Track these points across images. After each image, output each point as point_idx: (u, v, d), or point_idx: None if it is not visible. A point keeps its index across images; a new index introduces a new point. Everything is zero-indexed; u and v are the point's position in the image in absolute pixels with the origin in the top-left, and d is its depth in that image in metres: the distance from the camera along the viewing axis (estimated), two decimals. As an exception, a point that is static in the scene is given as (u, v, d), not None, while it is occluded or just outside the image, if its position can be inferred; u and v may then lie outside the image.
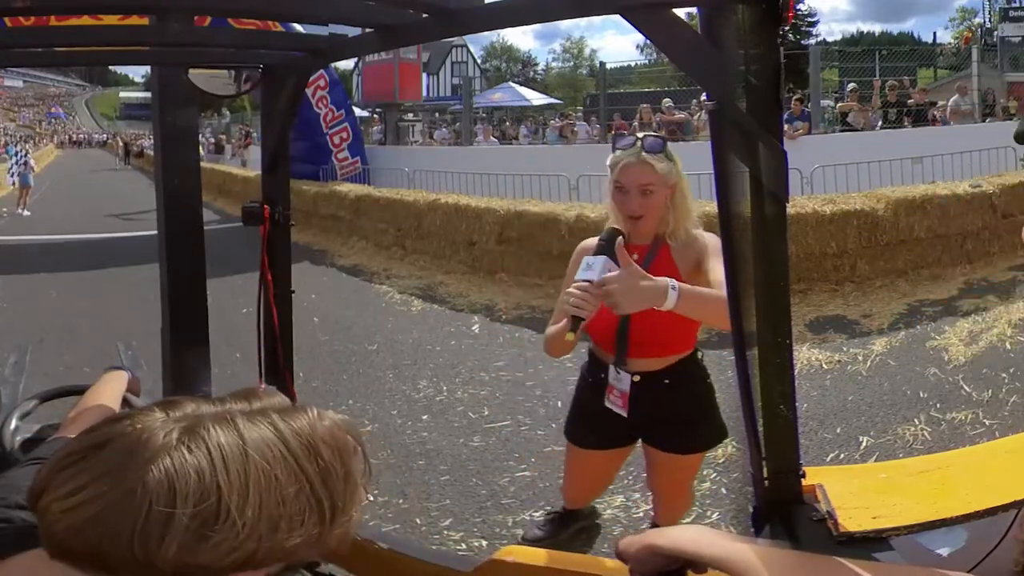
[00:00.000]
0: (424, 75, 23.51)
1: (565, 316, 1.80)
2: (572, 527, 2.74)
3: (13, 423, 1.55)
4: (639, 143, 2.00)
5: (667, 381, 2.11)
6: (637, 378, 2.09)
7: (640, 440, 2.29)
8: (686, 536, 0.96)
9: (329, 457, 0.69)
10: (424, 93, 22.94)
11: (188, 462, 0.62)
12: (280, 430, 0.67)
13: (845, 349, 4.85)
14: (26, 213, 14.97)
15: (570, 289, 1.77)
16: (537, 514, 2.93)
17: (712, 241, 2.03)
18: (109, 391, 1.47)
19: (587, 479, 2.53)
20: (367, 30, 1.56)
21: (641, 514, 3.07)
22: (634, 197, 2.00)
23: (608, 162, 2.04)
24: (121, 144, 37.67)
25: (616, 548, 1.03)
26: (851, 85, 12.48)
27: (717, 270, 1.90)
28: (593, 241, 1.94)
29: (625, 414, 2.11)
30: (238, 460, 0.63)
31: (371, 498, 3.28)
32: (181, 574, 0.62)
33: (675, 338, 2.09)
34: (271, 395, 0.75)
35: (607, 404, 2.13)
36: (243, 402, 0.71)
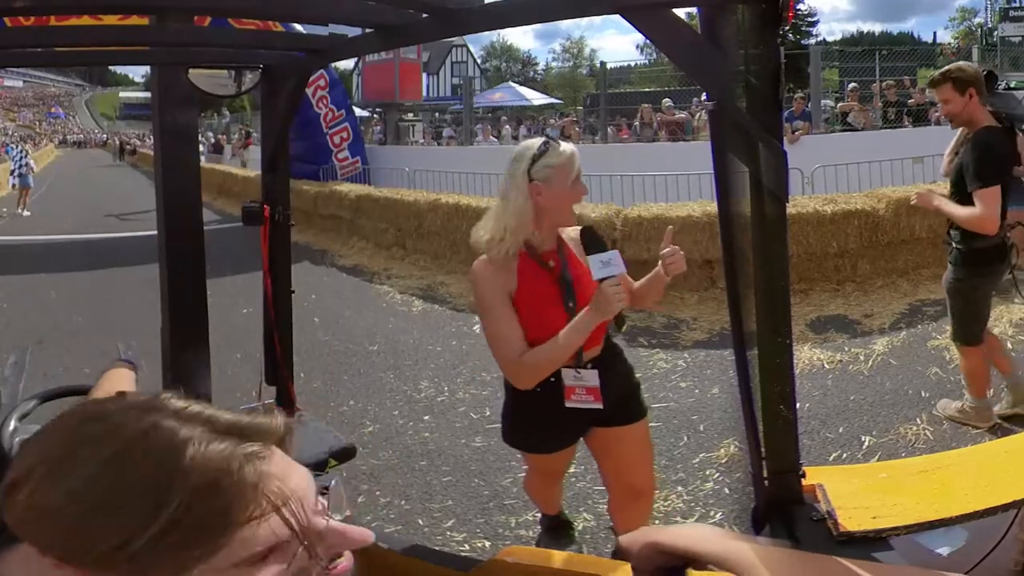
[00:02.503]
0: (424, 75, 23.52)
1: (601, 317, 1.89)
2: (571, 529, 2.81)
3: (12, 424, 1.55)
4: (554, 138, 2.07)
5: (606, 359, 2.21)
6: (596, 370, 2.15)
7: (594, 429, 2.30)
8: (688, 533, 0.96)
9: (178, 507, 0.56)
10: (424, 93, 22.96)
11: (73, 429, 0.61)
12: (175, 444, 0.59)
13: (847, 349, 4.85)
14: (26, 213, 14.98)
15: (613, 289, 1.85)
16: (539, 515, 2.94)
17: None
18: (125, 387, 1.47)
19: (560, 476, 2.61)
20: (367, 30, 1.56)
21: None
22: (582, 187, 2.07)
23: (549, 158, 2.00)
24: (117, 143, 41.54)
25: (616, 545, 1.02)
26: (851, 85, 12.47)
27: None
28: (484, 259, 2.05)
29: (601, 406, 2.13)
30: (97, 443, 0.59)
31: (377, 498, 3.28)
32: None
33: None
34: (269, 421, 0.66)
35: (571, 405, 2.13)
36: (240, 413, 0.65)
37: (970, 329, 3.50)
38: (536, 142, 2.04)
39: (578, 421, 2.22)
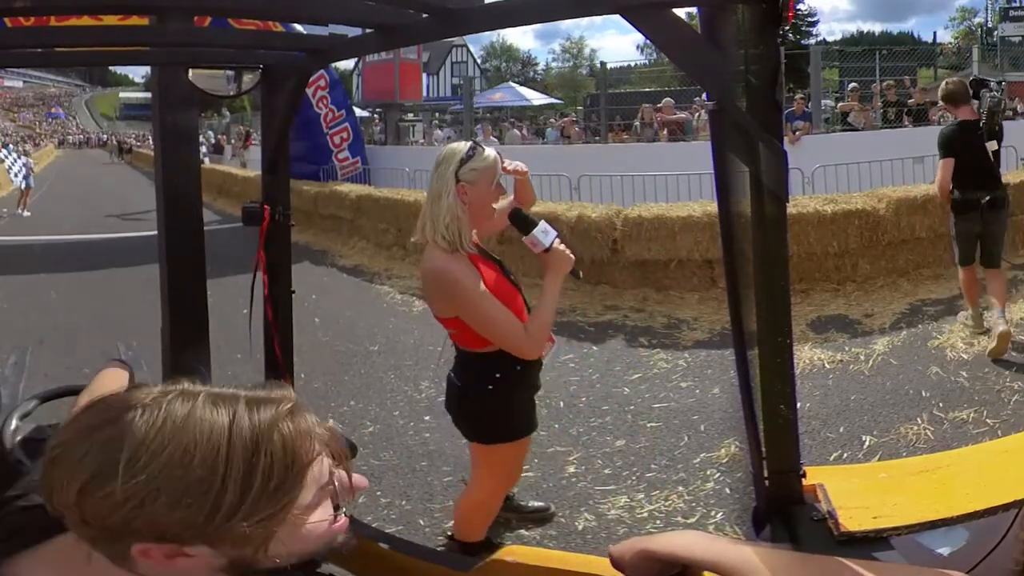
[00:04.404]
0: (424, 75, 23.52)
1: (564, 272, 2.24)
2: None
3: (13, 423, 1.54)
4: (481, 144, 2.27)
5: None
6: None
7: None
8: (680, 541, 0.96)
9: (268, 460, 0.69)
10: (424, 93, 22.95)
11: (134, 422, 0.68)
12: (235, 419, 0.69)
13: (847, 348, 4.85)
14: (26, 214, 14.99)
15: (563, 248, 2.21)
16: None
17: None
18: (114, 388, 1.46)
19: None
20: (367, 30, 1.56)
21: (646, 514, 3.08)
22: (501, 187, 2.30)
23: (476, 162, 2.18)
24: (115, 143, 44.30)
25: (609, 555, 1.02)
26: (851, 85, 12.47)
27: None
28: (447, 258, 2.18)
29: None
30: (169, 427, 0.67)
31: (376, 498, 3.28)
32: (80, 522, 0.68)
33: None
34: (278, 387, 0.76)
35: (545, 357, 2.41)
36: (239, 388, 0.74)
37: (959, 253, 4.79)
38: (463, 146, 2.21)
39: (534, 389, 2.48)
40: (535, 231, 2.20)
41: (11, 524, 0.86)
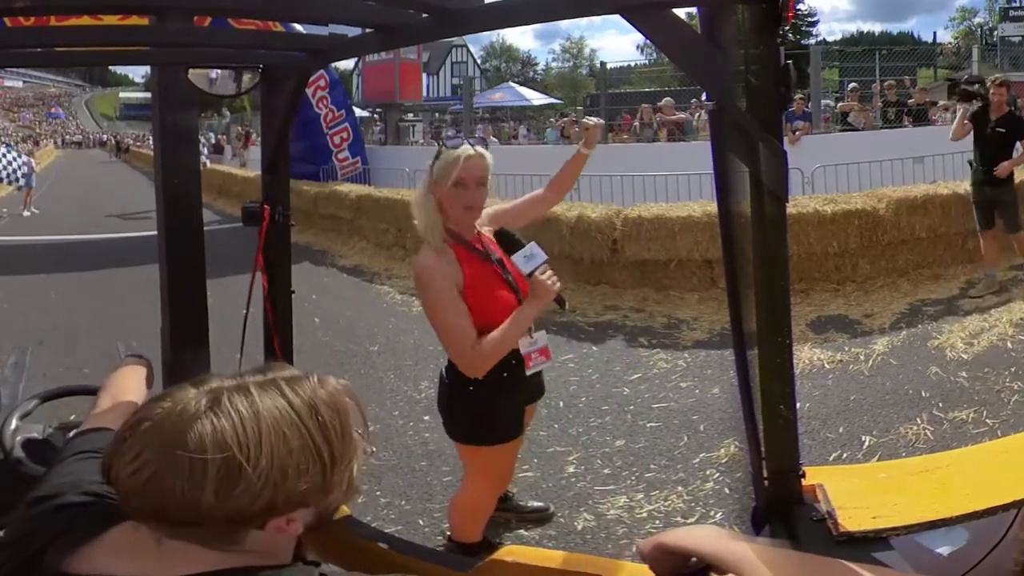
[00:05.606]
0: (424, 75, 23.51)
1: (542, 304, 2.13)
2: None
3: (13, 423, 1.55)
4: (467, 141, 2.19)
5: None
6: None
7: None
8: (691, 534, 1.00)
9: (328, 416, 0.83)
10: (424, 93, 22.94)
11: (216, 426, 0.77)
12: (286, 395, 0.82)
13: (847, 348, 4.85)
14: (27, 213, 14.98)
15: (544, 277, 2.08)
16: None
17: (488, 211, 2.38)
18: (135, 385, 1.45)
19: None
20: (367, 30, 1.56)
21: (645, 514, 3.08)
22: (473, 190, 2.16)
23: (440, 161, 2.15)
24: (114, 142, 45.54)
25: (636, 548, 1.07)
26: (851, 85, 12.46)
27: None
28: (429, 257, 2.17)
29: (549, 361, 2.40)
30: (252, 421, 0.78)
31: (371, 482, 3.28)
32: (224, 521, 0.77)
33: None
34: (281, 367, 0.87)
35: (532, 370, 2.33)
36: (258, 375, 0.85)
37: (1018, 217, 5.46)
38: (453, 143, 2.19)
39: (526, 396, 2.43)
40: (515, 256, 2.13)
41: (55, 523, 0.88)
